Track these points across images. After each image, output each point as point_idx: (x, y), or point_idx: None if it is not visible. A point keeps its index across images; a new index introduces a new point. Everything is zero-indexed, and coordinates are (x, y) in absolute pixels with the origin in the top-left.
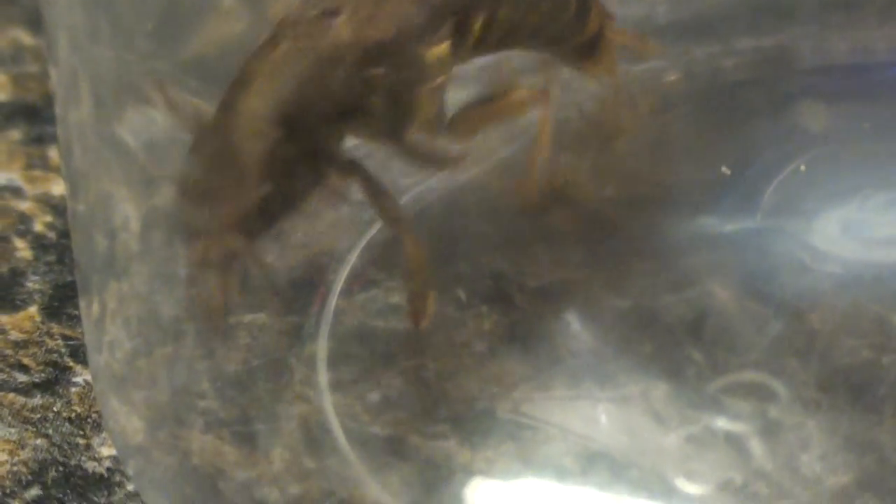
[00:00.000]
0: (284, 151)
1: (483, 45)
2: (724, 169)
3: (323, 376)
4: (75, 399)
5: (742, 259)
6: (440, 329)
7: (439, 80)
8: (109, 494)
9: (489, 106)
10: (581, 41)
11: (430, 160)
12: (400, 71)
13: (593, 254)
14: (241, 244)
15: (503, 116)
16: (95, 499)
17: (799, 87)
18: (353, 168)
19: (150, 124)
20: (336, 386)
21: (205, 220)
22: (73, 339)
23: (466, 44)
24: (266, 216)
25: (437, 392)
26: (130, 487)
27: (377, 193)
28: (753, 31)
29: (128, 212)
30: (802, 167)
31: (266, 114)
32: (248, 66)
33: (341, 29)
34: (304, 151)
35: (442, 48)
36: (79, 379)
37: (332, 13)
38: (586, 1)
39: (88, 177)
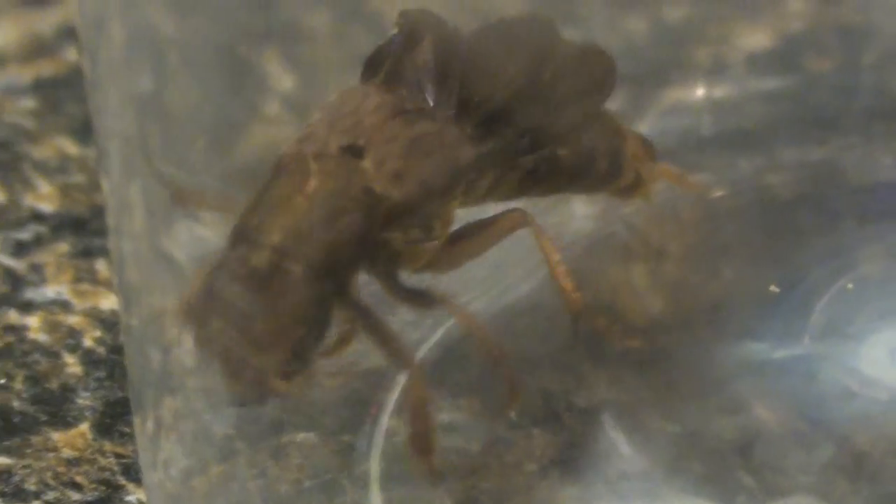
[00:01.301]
0: (312, 290)
1: (495, 195)
2: (772, 288)
3: (376, 497)
4: None
5: (790, 384)
6: (491, 449)
7: (442, 231)
8: None
9: (473, 239)
10: (616, 188)
11: (419, 302)
12: (414, 226)
13: (642, 375)
14: (281, 385)
15: (487, 245)
16: None
17: (845, 204)
18: (359, 309)
19: (199, 240)
20: None
21: (241, 365)
22: (125, 457)
23: (471, 198)
24: (298, 356)
25: None
26: None
27: (379, 333)
28: (798, 142)
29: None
30: (850, 286)
31: (296, 252)
32: (268, 196)
33: (371, 177)
34: (326, 290)
35: (452, 205)
36: (132, 497)
37: (356, 152)
38: (618, 156)
39: (141, 291)
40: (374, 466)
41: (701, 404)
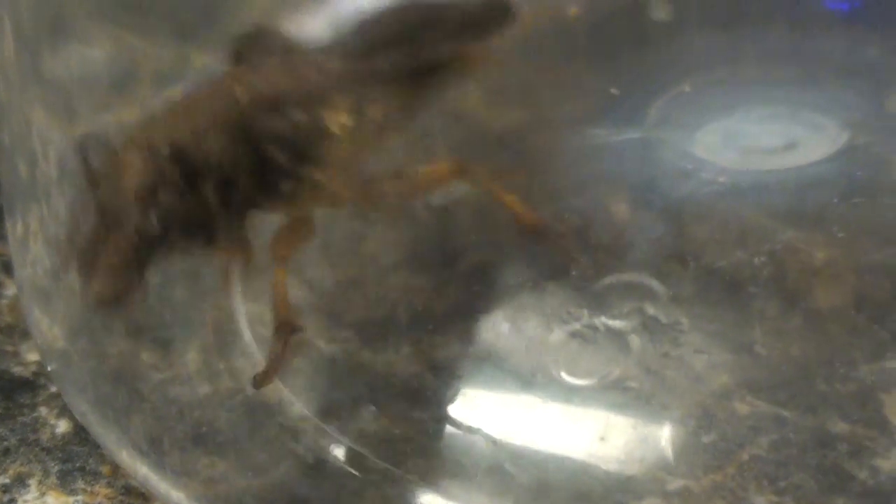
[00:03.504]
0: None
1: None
2: (612, 90)
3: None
4: (6, 310)
5: (627, 168)
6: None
7: (345, 152)
8: (34, 395)
9: (405, 180)
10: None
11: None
12: (297, 128)
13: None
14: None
15: (421, 190)
16: (21, 400)
17: (685, 15)
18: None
19: (70, 58)
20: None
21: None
22: (4, 255)
23: (368, 126)
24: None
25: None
26: (53, 389)
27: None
28: None
29: (47, 141)
30: (687, 88)
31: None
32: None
33: (233, 84)
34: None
35: (342, 117)
36: (9, 292)
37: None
38: None
39: (11, 108)
40: None
41: (541, 189)
